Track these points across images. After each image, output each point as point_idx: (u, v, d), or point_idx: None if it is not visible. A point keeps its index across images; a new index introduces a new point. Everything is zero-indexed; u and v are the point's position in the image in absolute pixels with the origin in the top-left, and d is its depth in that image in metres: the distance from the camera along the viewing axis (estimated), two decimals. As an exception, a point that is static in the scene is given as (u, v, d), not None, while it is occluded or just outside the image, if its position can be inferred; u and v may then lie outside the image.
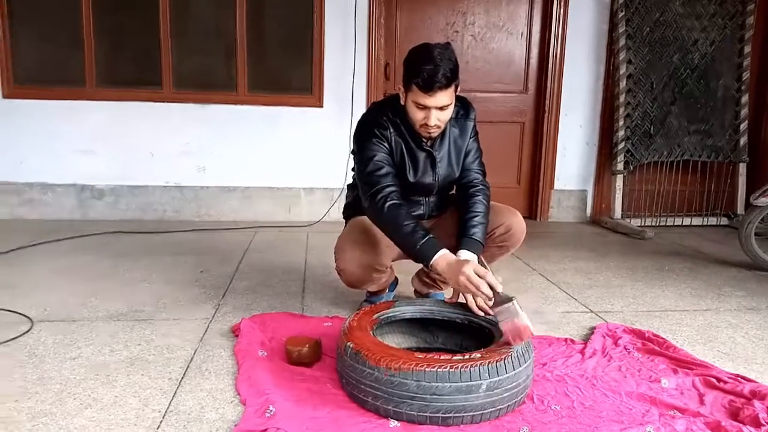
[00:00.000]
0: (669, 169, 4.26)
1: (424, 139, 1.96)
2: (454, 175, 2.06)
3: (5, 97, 3.78)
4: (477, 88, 4.11)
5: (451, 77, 1.78)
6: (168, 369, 1.72)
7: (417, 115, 1.85)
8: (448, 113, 1.88)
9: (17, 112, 3.80)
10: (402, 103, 1.90)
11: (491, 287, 1.63)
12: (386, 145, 1.93)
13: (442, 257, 1.74)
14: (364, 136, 1.94)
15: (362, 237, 1.97)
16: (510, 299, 1.57)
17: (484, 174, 2.09)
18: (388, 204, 1.82)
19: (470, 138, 2.06)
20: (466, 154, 2.06)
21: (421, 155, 1.99)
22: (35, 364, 1.73)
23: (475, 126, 2.07)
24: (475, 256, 1.87)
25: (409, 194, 2.07)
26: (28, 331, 1.97)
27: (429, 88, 1.76)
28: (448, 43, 1.84)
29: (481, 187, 2.04)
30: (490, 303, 1.64)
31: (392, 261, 2.09)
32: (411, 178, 1.99)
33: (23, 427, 1.39)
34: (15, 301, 2.25)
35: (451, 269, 1.70)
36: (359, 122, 2.00)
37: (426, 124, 1.85)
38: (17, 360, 1.75)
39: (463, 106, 2.04)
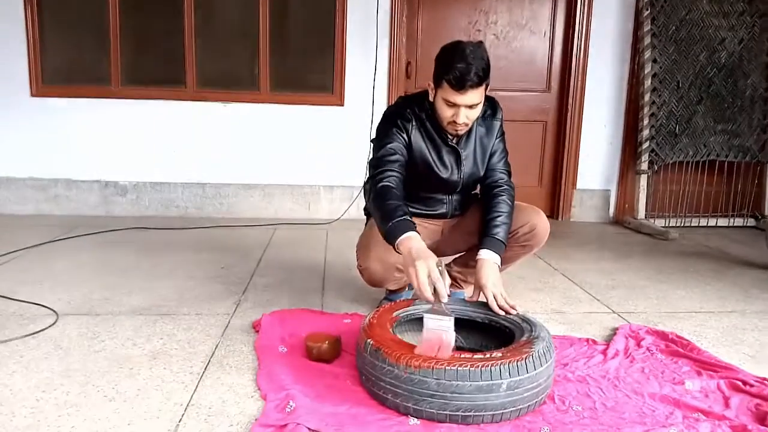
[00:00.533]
0: (694, 169, 4.19)
1: (449, 136, 1.96)
2: (479, 174, 2.06)
3: (33, 95, 3.85)
4: (499, 87, 4.08)
5: (483, 76, 1.77)
6: (190, 363, 1.74)
7: (446, 113, 1.85)
8: (477, 112, 1.87)
9: (44, 111, 3.88)
10: (431, 99, 1.90)
11: (437, 295, 1.52)
12: (405, 136, 1.93)
13: (408, 239, 1.64)
14: (386, 125, 1.96)
15: None
16: (449, 315, 1.48)
17: (509, 174, 2.08)
18: (382, 183, 1.82)
19: (496, 138, 2.05)
20: (492, 154, 2.05)
21: (446, 151, 1.99)
22: (60, 356, 1.76)
23: (501, 126, 2.06)
24: (497, 256, 1.86)
25: (433, 191, 2.07)
26: (53, 324, 2.00)
27: (461, 86, 1.76)
28: (481, 42, 1.83)
29: (505, 187, 2.02)
30: (431, 306, 1.52)
31: None
32: (440, 173, 1.99)
33: (50, 417, 1.42)
34: (41, 295, 2.29)
35: (410, 256, 1.59)
36: (384, 112, 2.02)
37: (454, 122, 1.85)
38: (43, 352, 1.78)
39: (491, 106, 2.04)
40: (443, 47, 1.84)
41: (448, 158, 1.99)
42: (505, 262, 2.01)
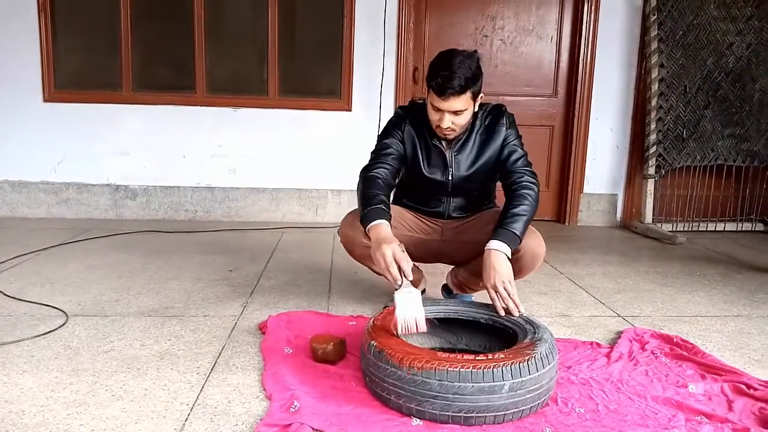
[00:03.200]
0: (702, 174, 4.18)
1: (440, 140, 2.03)
2: (475, 180, 2.07)
3: (46, 101, 3.91)
4: (506, 92, 4.11)
5: (465, 85, 1.81)
6: (197, 364, 1.76)
7: (433, 116, 1.94)
8: (464, 118, 1.92)
9: (57, 116, 3.93)
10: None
11: (402, 273, 1.64)
12: (399, 133, 2.05)
13: (377, 225, 1.76)
14: (386, 126, 2.10)
15: None
16: (416, 289, 1.63)
17: (533, 174, 2.02)
18: (370, 173, 1.95)
19: (505, 142, 2.04)
20: (508, 156, 2.03)
21: (436, 153, 2.05)
22: (70, 356, 1.79)
23: (511, 129, 2.06)
24: (507, 247, 1.79)
25: (426, 191, 2.12)
26: (63, 325, 2.03)
27: (442, 92, 1.83)
28: (475, 51, 1.88)
29: (528, 183, 1.97)
30: (397, 285, 1.64)
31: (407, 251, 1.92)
32: (424, 172, 2.06)
33: (59, 415, 1.44)
34: (51, 296, 2.33)
35: (375, 242, 1.72)
36: (388, 120, 2.13)
37: (440, 126, 1.92)
38: (53, 352, 1.81)
39: (495, 114, 2.06)
40: (438, 53, 1.91)
41: (436, 159, 2.05)
42: None
